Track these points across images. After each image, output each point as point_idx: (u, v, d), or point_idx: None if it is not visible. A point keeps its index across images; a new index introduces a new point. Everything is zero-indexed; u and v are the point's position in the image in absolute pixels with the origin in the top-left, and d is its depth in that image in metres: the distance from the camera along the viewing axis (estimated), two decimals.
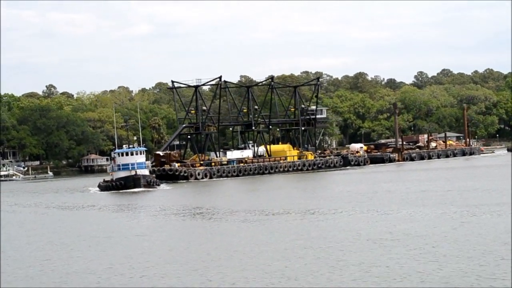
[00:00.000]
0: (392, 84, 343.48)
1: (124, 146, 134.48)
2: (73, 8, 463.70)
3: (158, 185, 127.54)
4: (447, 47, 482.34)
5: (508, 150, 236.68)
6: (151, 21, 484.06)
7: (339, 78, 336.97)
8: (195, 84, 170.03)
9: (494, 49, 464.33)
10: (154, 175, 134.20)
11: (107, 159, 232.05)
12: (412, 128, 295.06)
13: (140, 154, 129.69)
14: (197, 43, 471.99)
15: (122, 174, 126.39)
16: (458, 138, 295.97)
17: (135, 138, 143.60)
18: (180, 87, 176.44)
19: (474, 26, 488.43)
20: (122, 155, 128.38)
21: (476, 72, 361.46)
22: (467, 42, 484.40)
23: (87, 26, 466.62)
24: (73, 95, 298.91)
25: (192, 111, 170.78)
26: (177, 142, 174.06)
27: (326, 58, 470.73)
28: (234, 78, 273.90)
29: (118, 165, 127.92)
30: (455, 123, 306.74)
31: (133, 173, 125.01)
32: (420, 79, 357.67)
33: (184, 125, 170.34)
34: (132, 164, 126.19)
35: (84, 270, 45.26)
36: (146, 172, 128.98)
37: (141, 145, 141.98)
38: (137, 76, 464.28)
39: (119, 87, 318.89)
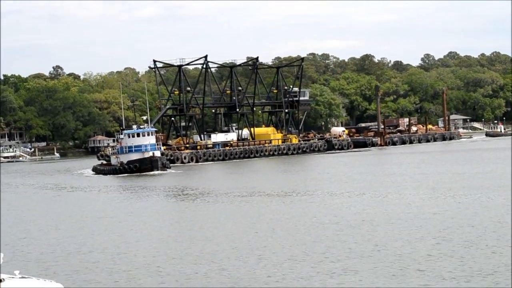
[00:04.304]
0: (399, 66, 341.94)
1: (134, 126, 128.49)
2: None
3: (169, 167, 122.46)
4: (454, 29, 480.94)
5: (486, 135, 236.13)
6: (158, 3, 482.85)
7: (346, 60, 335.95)
8: (178, 63, 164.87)
9: (502, 32, 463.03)
10: (166, 157, 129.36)
11: (113, 140, 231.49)
12: (419, 111, 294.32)
13: (151, 134, 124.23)
14: (204, 26, 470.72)
15: (134, 156, 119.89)
16: (464, 120, 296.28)
17: (144, 118, 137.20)
18: (163, 66, 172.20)
19: (482, 9, 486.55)
20: (133, 136, 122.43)
21: (483, 55, 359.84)
22: (474, 24, 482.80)
23: (94, 8, 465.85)
24: (79, 76, 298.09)
25: (175, 92, 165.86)
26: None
27: (333, 40, 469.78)
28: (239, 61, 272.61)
29: (130, 147, 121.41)
30: (461, 105, 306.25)
31: (146, 155, 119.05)
32: (427, 61, 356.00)
33: (167, 107, 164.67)
34: (146, 146, 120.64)
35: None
36: (159, 153, 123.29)
37: (150, 125, 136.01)
38: (144, 58, 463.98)
39: (125, 68, 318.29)
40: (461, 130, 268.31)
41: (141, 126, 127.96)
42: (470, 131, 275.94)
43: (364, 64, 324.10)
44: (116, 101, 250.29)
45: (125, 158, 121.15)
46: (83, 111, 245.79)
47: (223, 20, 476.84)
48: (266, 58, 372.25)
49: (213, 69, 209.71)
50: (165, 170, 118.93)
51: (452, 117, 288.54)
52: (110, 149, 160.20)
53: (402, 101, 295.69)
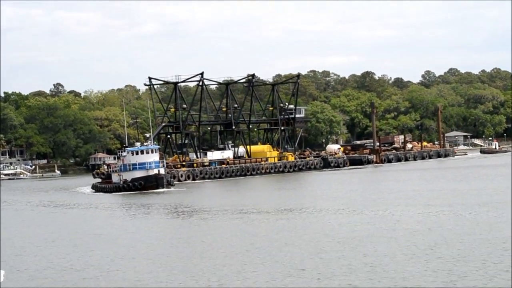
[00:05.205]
0: (399, 83, 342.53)
1: (137, 144, 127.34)
2: (80, 7, 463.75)
3: (174, 185, 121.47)
4: (455, 46, 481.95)
5: (481, 151, 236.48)
6: (158, 20, 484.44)
7: (347, 77, 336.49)
8: (174, 80, 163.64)
9: (502, 48, 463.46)
10: (170, 174, 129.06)
11: (114, 158, 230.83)
12: (420, 127, 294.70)
13: (155, 152, 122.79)
14: (204, 43, 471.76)
15: (138, 174, 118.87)
16: (465, 137, 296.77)
17: (147, 135, 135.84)
18: (161, 84, 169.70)
19: (482, 25, 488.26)
20: (137, 153, 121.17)
21: (483, 71, 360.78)
22: (474, 41, 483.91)
23: (94, 25, 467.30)
24: (80, 94, 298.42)
25: (171, 109, 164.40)
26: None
27: (333, 57, 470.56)
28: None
29: (134, 164, 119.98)
30: (462, 122, 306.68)
31: (151, 172, 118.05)
32: (428, 78, 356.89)
33: (164, 124, 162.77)
34: (150, 163, 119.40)
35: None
36: (163, 171, 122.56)
37: (153, 143, 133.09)
38: (145, 75, 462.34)
39: (126, 86, 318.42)
40: (461, 147, 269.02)
41: (145, 144, 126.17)
42: (470, 147, 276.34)
43: (365, 81, 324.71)
44: (117, 118, 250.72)
45: (129, 175, 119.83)
46: (84, 129, 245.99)
47: (223, 36, 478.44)
48: (267, 75, 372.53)
49: (213, 86, 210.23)
50: (169, 187, 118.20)
51: (453, 133, 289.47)
52: (105, 166, 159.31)
53: (402, 118, 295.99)
